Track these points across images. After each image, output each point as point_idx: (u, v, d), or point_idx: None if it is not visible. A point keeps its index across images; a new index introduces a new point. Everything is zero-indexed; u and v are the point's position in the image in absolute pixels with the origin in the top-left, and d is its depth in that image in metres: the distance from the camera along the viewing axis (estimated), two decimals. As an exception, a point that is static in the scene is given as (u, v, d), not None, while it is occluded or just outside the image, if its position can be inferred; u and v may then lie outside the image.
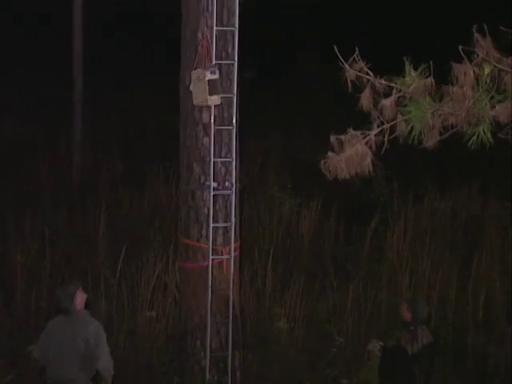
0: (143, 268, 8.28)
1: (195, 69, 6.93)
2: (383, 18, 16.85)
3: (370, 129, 4.38)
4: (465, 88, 3.87)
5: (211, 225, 7.09)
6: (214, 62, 6.95)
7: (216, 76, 6.84)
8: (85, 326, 5.96)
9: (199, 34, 7.06)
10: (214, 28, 6.97)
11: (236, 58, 7.07)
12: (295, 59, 17.15)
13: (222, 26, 7.03)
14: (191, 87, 6.95)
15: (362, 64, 4.18)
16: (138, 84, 15.84)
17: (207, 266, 7.09)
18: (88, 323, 6.00)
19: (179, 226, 7.48)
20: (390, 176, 10.57)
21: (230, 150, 7.18)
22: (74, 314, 5.97)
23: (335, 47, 4.05)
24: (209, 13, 7.01)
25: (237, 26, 7.04)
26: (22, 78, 14.61)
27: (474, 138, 4.03)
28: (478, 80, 3.93)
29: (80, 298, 6.02)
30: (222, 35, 7.04)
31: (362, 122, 4.48)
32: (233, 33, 7.05)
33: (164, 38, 13.07)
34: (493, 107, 3.94)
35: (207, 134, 7.13)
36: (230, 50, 7.10)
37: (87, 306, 6.15)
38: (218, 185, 7.14)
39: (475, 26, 3.79)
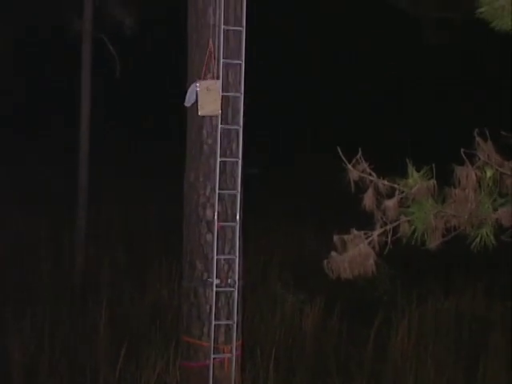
0: (143, 367, 8.15)
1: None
2: (387, 120, 17.08)
3: (373, 229, 4.38)
4: (467, 190, 3.90)
5: (213, 322, 7.02)
6: (218, 160, 7.04)
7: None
8: None
9: (204, 132, 7.17)
10: (219, 126, 7.07)
11: (240, 156, 7.15)
12: (296, 160, 17.32)
13: (227, 123, 7.13)
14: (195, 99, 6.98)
15: (364, 165, 4.23)
16: (141, 176, 15.97)
17: (208, 365, 6.99)
18: None
19: (180, 324, 7.40)
20: (393, 275, 10.52)
21: (233, 247, 7.18)
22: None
23: (339, 148, 4.10)
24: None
25: (241, 124, 7.15)
26: (24, 171, 14.74)
27: (477, 240, 4.03)
28: (480, 183, 3.96)
29: None
30: (226, 134, 7.14)
31: (366, 222, 4.50)
32: (237, 131, 7.15)
33: (169, 136, 13.23)
34: (495, 210, 3.96)
35: (210, 231, 7.14)
36: (234, 148, 7.18)
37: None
38: (221, 282, 7.11)
39: (476, 130, 3.85)
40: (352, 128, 16.64)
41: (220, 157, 7.05)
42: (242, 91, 7.13)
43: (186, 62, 7.31)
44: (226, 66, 7.06)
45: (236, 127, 7.15)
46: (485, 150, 3.87)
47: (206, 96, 6.93)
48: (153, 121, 17.82)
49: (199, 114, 7.00)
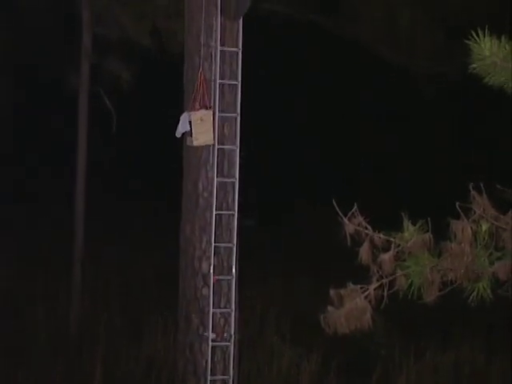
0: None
1: None
2: (383, 172, 17.14)
3: (369, 283, 4.36)
4: (463, 244, 3.88)
5: (209, 378, 6.95)
6: (214, 213, 7.03)
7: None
8: None
9: (200, 185, 7.18)
10: (215, 179, 7.09)
11: (236, 209, 7.16)
12: (293, 209, 17.32)
13: (223, 176, 7.15)
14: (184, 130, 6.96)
15: (360, 218, 4.22)
16: (139, 235, 15.93)
17: (204, 421, 6.90)
18: None
19: (176, 380, 7.32)
20: (390, 329, 10.43)
21: (229, 301, 7.14)
22: None
23: (334, 201, 4.10)
24: (210, 164, 7.14)
25: (237, 177, 7.17)
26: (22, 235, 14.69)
27: (474, 293, 4.01)
28: (476, 237, 3.95)
29: None
30: (222, 186, 7.15)
31: (362, 276, 4.47)
32: (233, 184, 7.17)
33: (163, 195, 13.23)
34: (491, 264, 3.94)
35: (207, 284, 7.10)
36: (230, 201, 7.20)
37: None
38: (217, 336, 7.05)
39: (471, 183, 3.86)
40: (349, 180, 16.69)
41: (216, 210, 7.07)
42: (238, 144, 7.17)
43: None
44: (221, 119, 7.10)
45: (232, 180, 7.17)
46: (480, 203, 3.87)
47: (200, 126, 6.93)
48: (148, 178, 17.83)
49: (194, 144, 6.98)
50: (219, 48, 7.03)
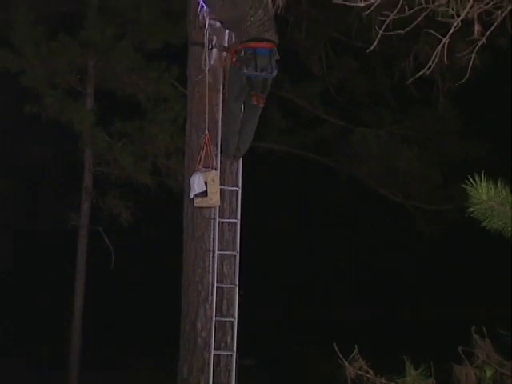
0: None
1: None
2: (383, 314, 16.98)
3: None
4: (467, 390, 3.80)
5: None
6: (212, 353, 6.92)
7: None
8: None
9: (198, 324, 7.10)
10: (214, 318, 7.01)
11: (235, 349, 7.05)
12: (294, 352, 17.07)
13: (222, 315, 7.07)
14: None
15: (361, 362, 4.14)
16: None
17: None
18: None
19: None
20: None
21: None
22: None
23: (335, 345, 4.04)
24: (208, 303, 7.09)
25: (236, 316, 7.09)
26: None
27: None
28: (480, 383, 3.87)
29: None
30: (221, 326, 7.06)
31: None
32: (232, 323, 7.08)
33: (161, 334, 13.07)
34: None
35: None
36: (228, 340, 7.10)
37: None
38: None
39: (473, 327, 3.81)
40: (350, 321, 16.50)
41: (214, 350, 6.95)
42: (237, 282, 7.13)
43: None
44: (220, 257, 7.09)
45: (231, 319, 7.09)
46: (483, 348, 3.81)
47: (213, 187, 6.88)
48: (146, 316, 17.66)
49: (208, 204, 6.92)
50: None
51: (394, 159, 11.24)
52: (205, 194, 6.88)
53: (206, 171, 6.92)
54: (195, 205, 6.97)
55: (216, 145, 7.08)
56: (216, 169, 6.98)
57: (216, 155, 7.06)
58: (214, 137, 7.06)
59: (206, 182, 6.86)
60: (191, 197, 6.96)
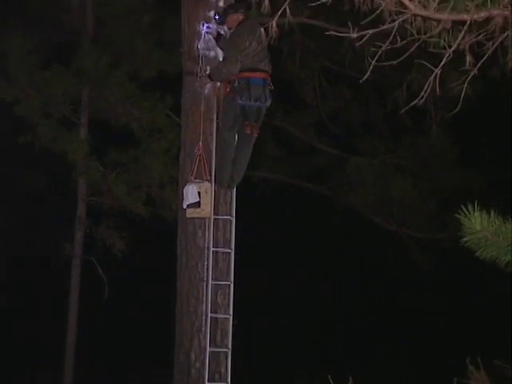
0: None
1: None
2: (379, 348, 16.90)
3: None
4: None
5: None
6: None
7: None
8: None
9: (192, 355, 7.06)
10: (208, 349, 6.97)
11: (229, 380, 7.03)
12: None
13: (216, 346, 7.03)
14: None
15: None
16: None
17: None
18: None
19: None
20: None
21: None
22: None
23: (330, 378, 4.00)
24: (202, 333, 7.05)
25: (230, 346, 7.05)
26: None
27: None
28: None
29: None
30: (215, 356, 7.02)
31: None
32: (226, 354, 7.04)
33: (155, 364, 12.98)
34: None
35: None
36: (223, 371, 7.05)
37: None
38: None
39: (469, 358, 3.78)
40: (346, 353, 16.42)
41: (208, 381, 6.91)
42: (231, 313, 7.09)
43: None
44: (214, 287, 7.06)
45: (225, 350, 7.05)
46: (479, 379, 3.77)
47: (206, 198, 6.88)
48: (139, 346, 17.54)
49: (200, 215, 6.91)
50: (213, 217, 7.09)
51: (387, 188, 11.27)
52: (197, 204, 6.91)
53: (199, 182, 6.97)
54: (187, 215, 7.00)
55: (210, 174, 7.09)
56: (209, 181, 7.00)
57: (210, 172, 7.06)
58: (208, 166, 7.07)
59: (199, 193, 6.90)
60: (184, 207, 7.00)
